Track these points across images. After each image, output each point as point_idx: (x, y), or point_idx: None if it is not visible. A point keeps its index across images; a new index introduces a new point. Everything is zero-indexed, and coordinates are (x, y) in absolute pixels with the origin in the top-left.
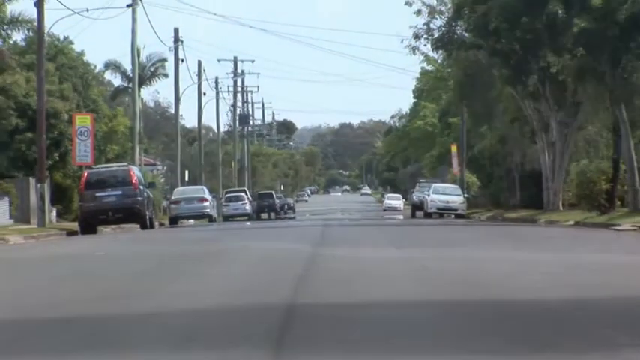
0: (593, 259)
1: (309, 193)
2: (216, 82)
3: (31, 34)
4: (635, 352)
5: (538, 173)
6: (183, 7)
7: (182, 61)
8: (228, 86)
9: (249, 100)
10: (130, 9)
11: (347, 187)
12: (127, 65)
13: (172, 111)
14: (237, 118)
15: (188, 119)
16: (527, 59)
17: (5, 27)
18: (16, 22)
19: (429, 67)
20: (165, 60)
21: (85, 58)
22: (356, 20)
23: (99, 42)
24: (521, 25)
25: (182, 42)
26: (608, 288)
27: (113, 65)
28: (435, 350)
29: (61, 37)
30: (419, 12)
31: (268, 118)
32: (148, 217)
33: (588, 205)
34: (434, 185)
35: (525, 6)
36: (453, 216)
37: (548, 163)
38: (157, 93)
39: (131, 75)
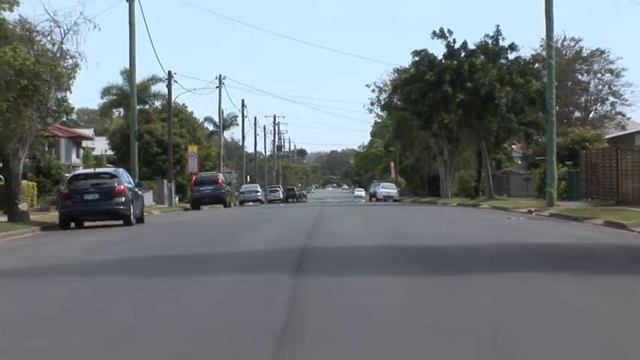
0: (469, 222)
1: (314, 188)
2: (264, 128)
3: (164, 102)
4: (489, 274)
5: (438, 177)
6: (246, 87)
7: (246, 116)
8: (270, 130)
9: (282, 137)
10: (217, 89)
11: (335, 185)
12: (216, 119)
13: (240, 144)
14: (276, 147)
15: (249, 148)
16: (432, 116)
17: (151, 98)
18: (155, 95)
19: (379, 120)
20: (236, 116)
21: (193, 115)
22: (341, 93)
23: (201, 105)
24: (428, 97)
25: (246, 106)
26: (484, 238)
27: (209, 119)
28: (384, 271)
29: (180, 103)
30: (373, 90)
31: (292, 147)
32: (227, 201)
33: (464, 194)
34: (381, 183)
35: (430, 88)
36: (392, 200)
37: (443, 171)
38: (232, 134)
39: (218, 124)
